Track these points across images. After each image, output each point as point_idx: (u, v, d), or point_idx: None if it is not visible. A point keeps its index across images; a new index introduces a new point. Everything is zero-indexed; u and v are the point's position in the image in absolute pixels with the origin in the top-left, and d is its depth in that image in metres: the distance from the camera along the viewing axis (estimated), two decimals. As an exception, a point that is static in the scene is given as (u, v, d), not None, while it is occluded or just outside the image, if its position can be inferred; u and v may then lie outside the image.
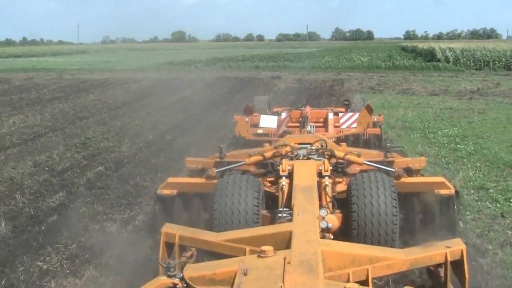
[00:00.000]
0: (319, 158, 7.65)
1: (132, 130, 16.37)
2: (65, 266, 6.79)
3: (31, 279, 6.50)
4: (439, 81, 33.77)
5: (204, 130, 15.85)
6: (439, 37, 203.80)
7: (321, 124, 12.65)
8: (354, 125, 12.07)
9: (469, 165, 11.50)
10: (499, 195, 9.35)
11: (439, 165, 11.54)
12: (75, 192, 10.06)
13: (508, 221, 8.19)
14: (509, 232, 7.71)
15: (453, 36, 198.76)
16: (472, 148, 13.25)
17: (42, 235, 7.91)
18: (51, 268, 6.80)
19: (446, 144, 13.84)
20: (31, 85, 32.72)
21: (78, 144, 14.36)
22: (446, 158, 12.23)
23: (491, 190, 9.63)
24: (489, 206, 8.86)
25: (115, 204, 9.31)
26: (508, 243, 7.33)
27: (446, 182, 7.44)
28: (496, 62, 44.98)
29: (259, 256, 4.62)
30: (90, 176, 11.15)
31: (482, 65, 44.98)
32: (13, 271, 6.70)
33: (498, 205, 8.89)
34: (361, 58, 51.65)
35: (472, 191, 9.69)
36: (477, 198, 9.26)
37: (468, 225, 8.06)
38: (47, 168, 11.80)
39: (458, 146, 13.52)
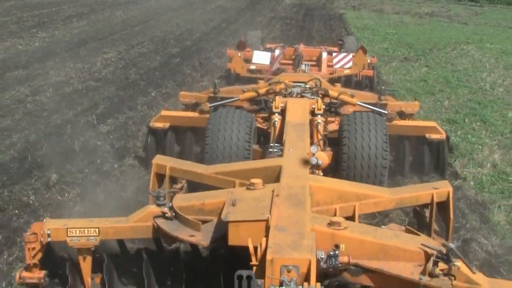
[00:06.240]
0: (312, 97, 7.67)
1: (196, 23, 25.37)
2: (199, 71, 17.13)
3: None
4: (407, 5, 40.71)
5: (241, 24, 24.88)
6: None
7: (314, 63, 12.70)
8: (347, 65, 12.09)
9: (387, 43, 21.84)
10: (391, 50, 20.03)
11: (373, 42, 21.68)
12: (194, 40, 20.44)
13: (387, 52, 18.78)
14: (389, 65, 18.21)
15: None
16: (395, 38, 23.36)
17: (195, 48, 18.53)
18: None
19: (382, 36, 23.81)
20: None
21: (167, 30, 23.12)
22: (377, 40, 22.50)
23: (389, 50, 20.11)
24: (385, 53, 19.36)
25: (213, 45, 19.45)
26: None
27: (438, 127, 7.70)
28: (464, -6, 50.83)
29: (248, 189, 4.60)
30: (192, 40, 21.10)
31: (452, -5, 50.50)
32: (184, 64, 17.10)
33: (389, 52, 19.50)
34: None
35: (381, 50, 19.99)
36: (383, 53, 19.35)
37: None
38: (170, 36, 21.56)
39: (388, 36, 23.64)
